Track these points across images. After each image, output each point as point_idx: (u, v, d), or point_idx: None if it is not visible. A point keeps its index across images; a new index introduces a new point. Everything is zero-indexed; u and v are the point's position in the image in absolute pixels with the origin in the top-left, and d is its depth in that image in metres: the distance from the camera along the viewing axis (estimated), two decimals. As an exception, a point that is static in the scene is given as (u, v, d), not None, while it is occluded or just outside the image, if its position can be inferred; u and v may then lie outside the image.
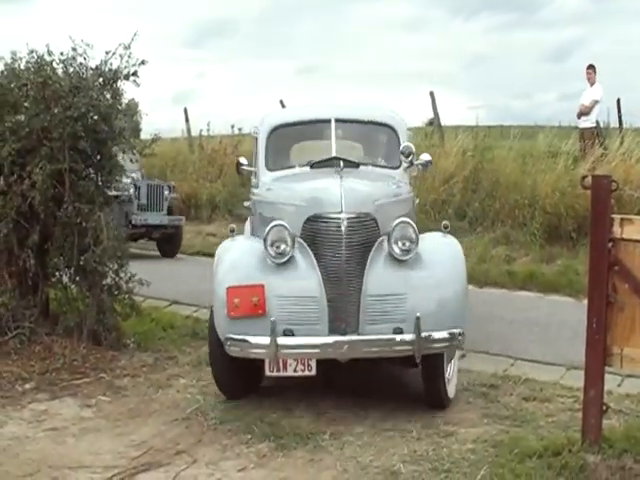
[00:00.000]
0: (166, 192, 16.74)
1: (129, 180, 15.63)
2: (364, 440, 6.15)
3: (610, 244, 5.39)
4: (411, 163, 7.98)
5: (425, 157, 8.36)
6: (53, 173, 7.89)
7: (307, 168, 7.94)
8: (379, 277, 6.51)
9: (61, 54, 8.20)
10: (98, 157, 8.35)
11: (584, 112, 16.08)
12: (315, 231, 6.68)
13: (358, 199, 6.78)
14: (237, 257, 6.94)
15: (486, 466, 5.53)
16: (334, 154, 7.82)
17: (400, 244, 6.59)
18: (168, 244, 16.61)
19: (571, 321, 8.78)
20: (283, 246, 6.61)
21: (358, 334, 6.39)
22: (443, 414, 6.75)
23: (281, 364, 6.37)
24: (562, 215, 13.38)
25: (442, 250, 6.92)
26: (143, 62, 8.31)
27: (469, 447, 5.97)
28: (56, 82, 7.99)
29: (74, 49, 8.18)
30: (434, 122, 18.08)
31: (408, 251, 6.58)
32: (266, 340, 6.26)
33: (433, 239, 7.03)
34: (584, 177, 5.76)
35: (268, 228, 6.65)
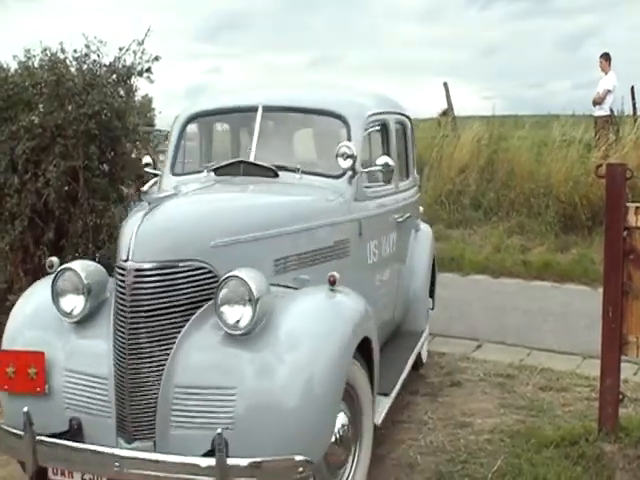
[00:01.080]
0: None
1: None
2: (380, 432, 6.15)
3: (625, 232, 5.38)
4: (352, 170, 5.63)
5: (384, 160, 5.77)
6: (67, 170, 7.91)
7: (212, 174, 5.86)
8: (194, 360, 4.19)
9: (74, 51, 8.22)
10: (112, 154, 8.37)
11: (597, 101, 16.02)
12: (117, 285, 4.42)
13: (163, 240, 4.32)
14: (34, 308, 4.80)
15: (503, 456, 5.55)
16: (253, 154, 5.82)
17: (228, 312, 4.21)
18: None
19: (587, 310, 8.76)
20: (73, 300, 4.55)
21: (155, 443, 4.16)
22: (459, 405, 6.76)
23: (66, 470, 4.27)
24: (577, 204, 13.34)
25: (312, 321, 4.39)
26: (157, 58, 8.32)
27: (486, 437, 5.98)
28: (70, 80, 8.00)
29: (87, 46, 8.20)
30: (448, 113, 18.07)
31: (239, 322, 4.17)
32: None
33: (307, 301, 4.59)
34: (599, 166, 5.76)
35: (55, 273, 4.62)
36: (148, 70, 8.35)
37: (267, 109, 6.13)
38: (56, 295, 4.56)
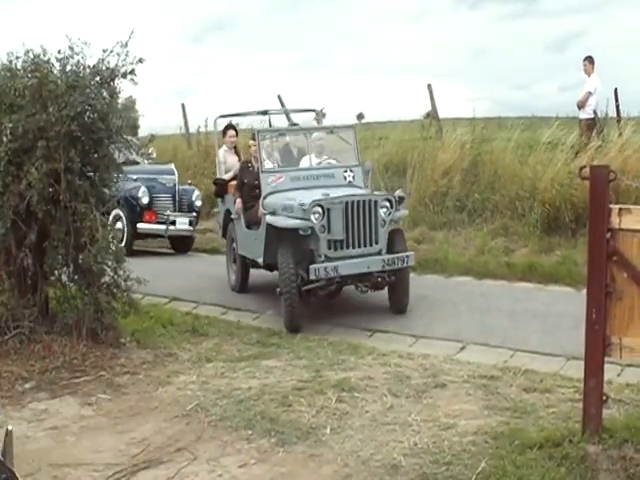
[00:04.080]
0: (383, 211, 9.97)
1: (308, 201, 9.82)
2: (365, 434, 6.15)
3: (608, 234, 5.39)
4: None
5: None
6: (49, 172, 7.88)
7: None
8: None
9: (58, 53, 8.19)
10: (95, 156, 8.34)
11: (579, 105, 16.09)
12: None
13: None
14: None
15: (487, 458, 5.54)
16: None
17: None
18: (394, 294, 10.30)
19: (570, 311, 8.78)
20: None
21: None
22: (443, 406, 6.75)
23: None
24: (561, 206, 13.36)
25: None
26: (141, 60, 8.29)
27: (470, 439, 5.96)
28: (52, 81, 7.98)
29: (71, 48, 8.17)
30: (431, 115, 18.07)
31: None
32: None
33: None
34: (582, 168, 5.77)
35: None
36: (132, 72, 8.32)
37: None
38: None
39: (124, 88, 8.57)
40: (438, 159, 15.66)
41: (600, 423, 5.52)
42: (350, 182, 10.97)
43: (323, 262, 9.64)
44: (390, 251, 10.03)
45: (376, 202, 9.95)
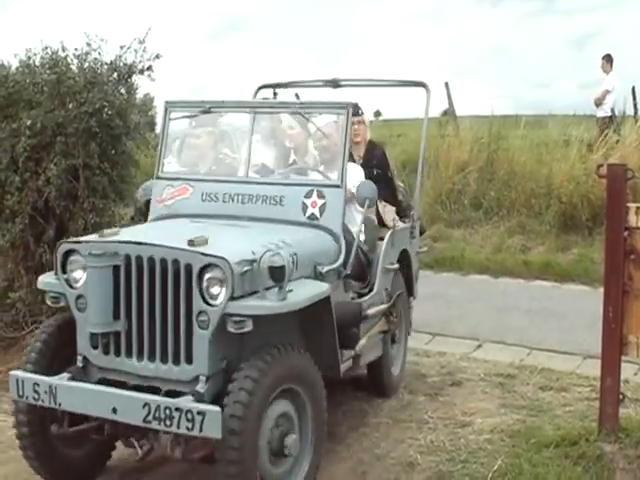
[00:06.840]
0: (210, 289, 4.51)
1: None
2: (381, 431, 6.16)
3: (626, 233, 5.38)
4: None
5: None
6: (68, 168, 7.91)
7: None
8: None
9: (75, 50, 8.21)
10: (112, 152, 8.36)
11: (597, 102, 16.06)
12: None
13: None
14: None
15: (503, 456, 5.55)
16: None
17: None
18: None
19: (587, 310, 8.75)
20: None
21: None
22: (460, 404, 6.75)
23: None
24: (577, 204, 13.32)
25: None
26: (158, 56, 8.30)
27: (486, 437, 5.98)
28: (71, 78, 8.00)
29: (89, 44, 8.19)
30: (449, 112, 18.06)
31: None
32: None
33: None
34: (599, 166, 5.75)
35: None
36: (149, 68, 8.34)
37: None
38: None
39: (141, 85, 8.60)
40: (453, 156, 15.63)
41: (617, 422, 5.51)
42: (312, 217, 5.57)
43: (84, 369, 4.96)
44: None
45: (189, 267, 4.56)
